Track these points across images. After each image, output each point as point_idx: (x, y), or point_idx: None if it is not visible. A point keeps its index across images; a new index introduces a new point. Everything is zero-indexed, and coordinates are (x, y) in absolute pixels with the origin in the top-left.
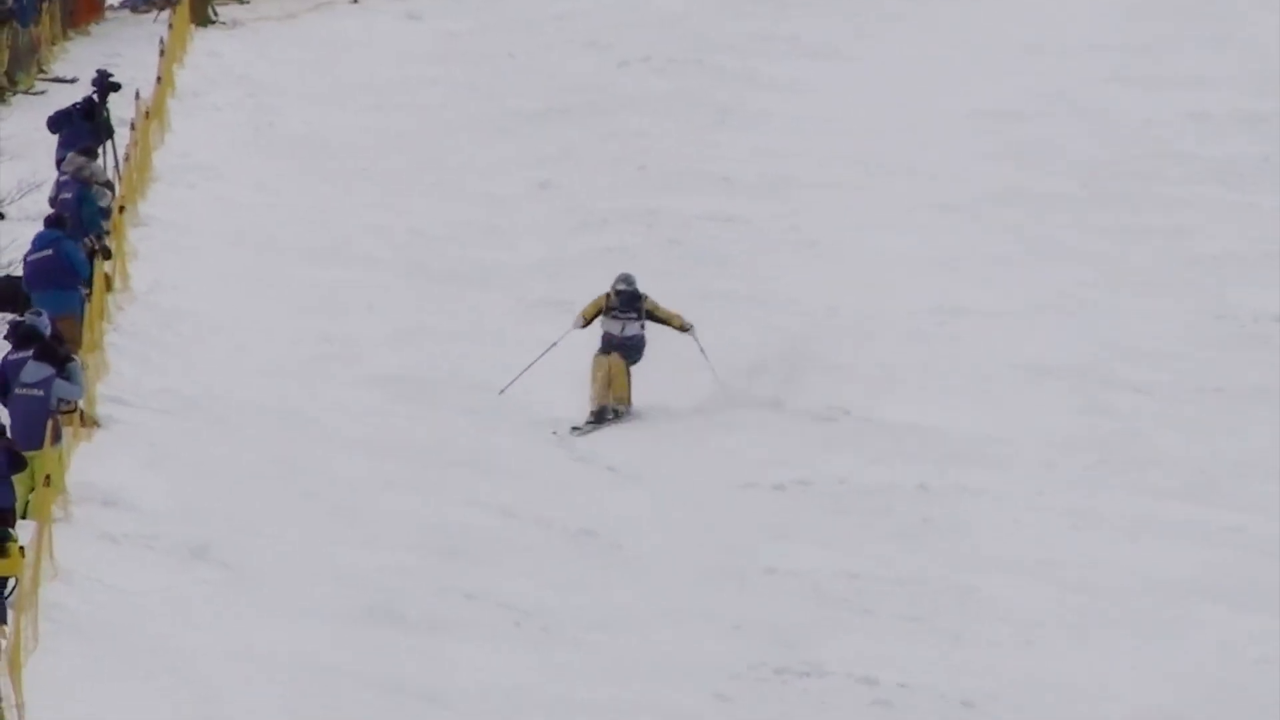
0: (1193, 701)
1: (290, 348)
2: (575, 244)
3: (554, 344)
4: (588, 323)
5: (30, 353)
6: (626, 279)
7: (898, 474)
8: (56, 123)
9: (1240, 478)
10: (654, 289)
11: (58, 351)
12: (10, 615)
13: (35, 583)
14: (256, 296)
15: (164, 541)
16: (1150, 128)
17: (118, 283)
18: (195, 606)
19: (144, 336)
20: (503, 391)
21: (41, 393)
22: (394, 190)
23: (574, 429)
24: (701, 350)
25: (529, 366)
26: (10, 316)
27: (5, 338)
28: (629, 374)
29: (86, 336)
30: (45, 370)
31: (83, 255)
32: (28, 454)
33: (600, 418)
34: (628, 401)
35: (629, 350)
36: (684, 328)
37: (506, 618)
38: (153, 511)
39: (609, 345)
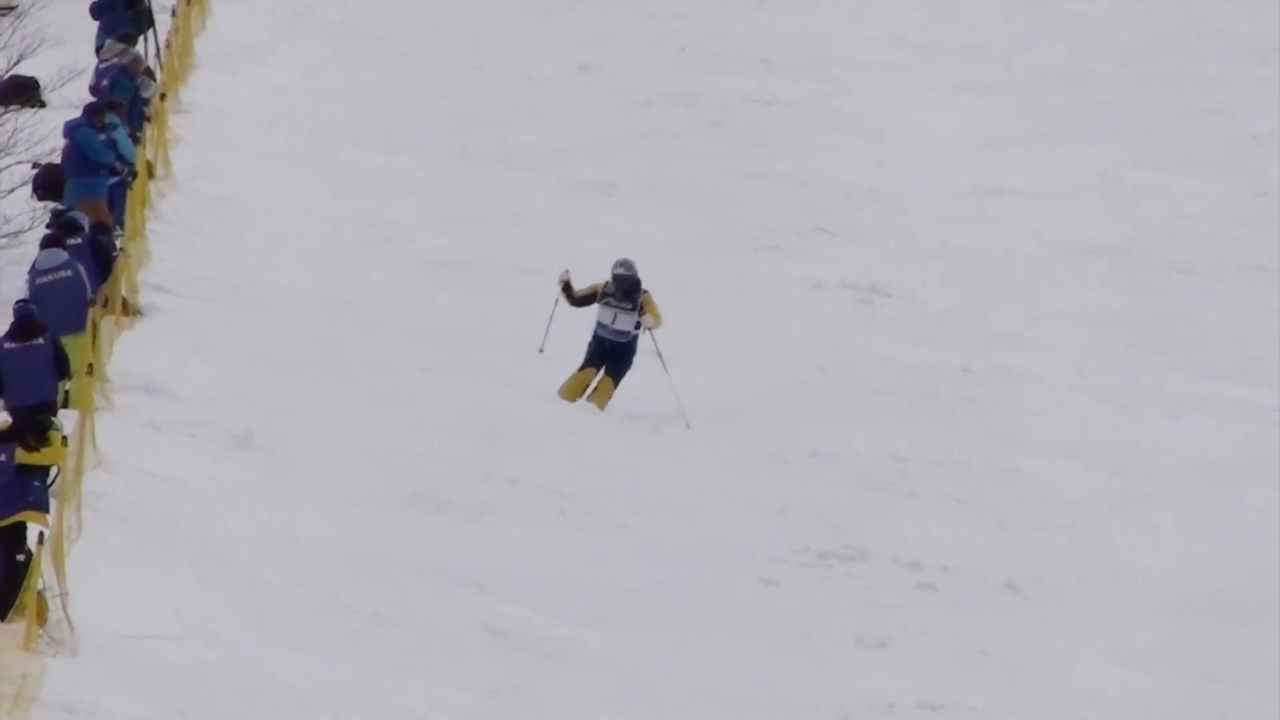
0: (1240, 582)
1: (332, 232)
2: (617, 126)
3: (552, 316)
4: (578, 301)
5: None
6: (626, 264)
7: (940, 356)
8: (98, 9)
9: None
10: (695, 172)
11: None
12: (54, 504)
13: (78, 472)
14: (298, 181)
15: (207, 429)
16: (1191, 5)
17: (159, 169)
18: (238, 493)
19: (186, 223)
20: (541, 350)
21: (69, 273)
22: (434, 74)
23: None
24: (659, 354)
25: (551, 320)
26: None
27: (47, 227)
28: (612, 394)
29: (129, 224)
30: (61, 255)
31: (99, 141)
32: (64, 339)
33: None
34: (603, 407)
35: (617, 355)
36: (649, 326)
37: (549, 503)
38: (195, 399)
39: (598, 344)
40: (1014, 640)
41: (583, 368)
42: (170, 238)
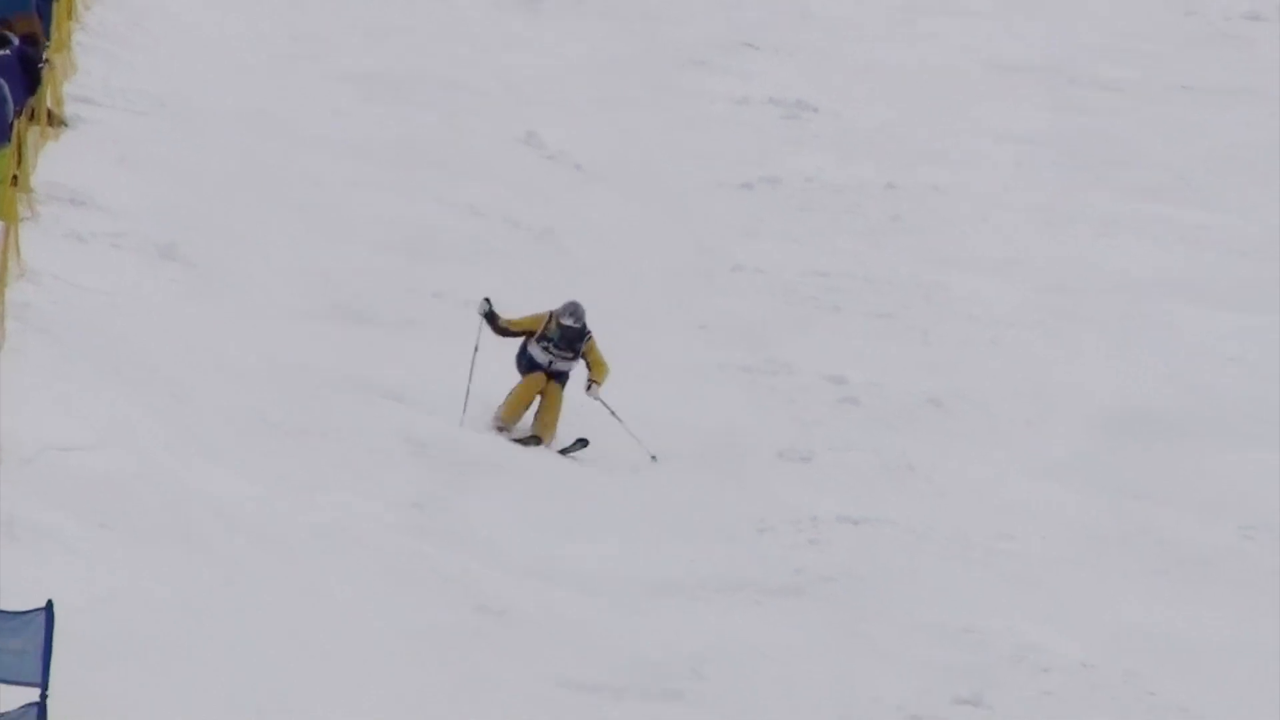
0: (1163, 399)
1: (259, 45)
2: None
3: (476, 349)
4: (507, 333)
5: None
6: (575, 312)
7: (866, 172)
8: None
9: (1211, 175)
10: None
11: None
12: None
13: (2, 282)
14: None
15: (131, 241)
16: None
17: None
18: (163, 306)
19: (112, 36)
20: (462, 422)
21: None
22: None
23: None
24: (611, 411)
25: (469, 388)
26: None
27: None
28: (559, 407)
29: (55, 36)
30: None
31: None
32: None
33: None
34: (552, 433)
35: (559, 377)
36: (595, 382)
37: (473, 316)
38: (120, 211)
39: (535, 368)
40: (937, 455)
41: (526, 375)
42: (96, 50)
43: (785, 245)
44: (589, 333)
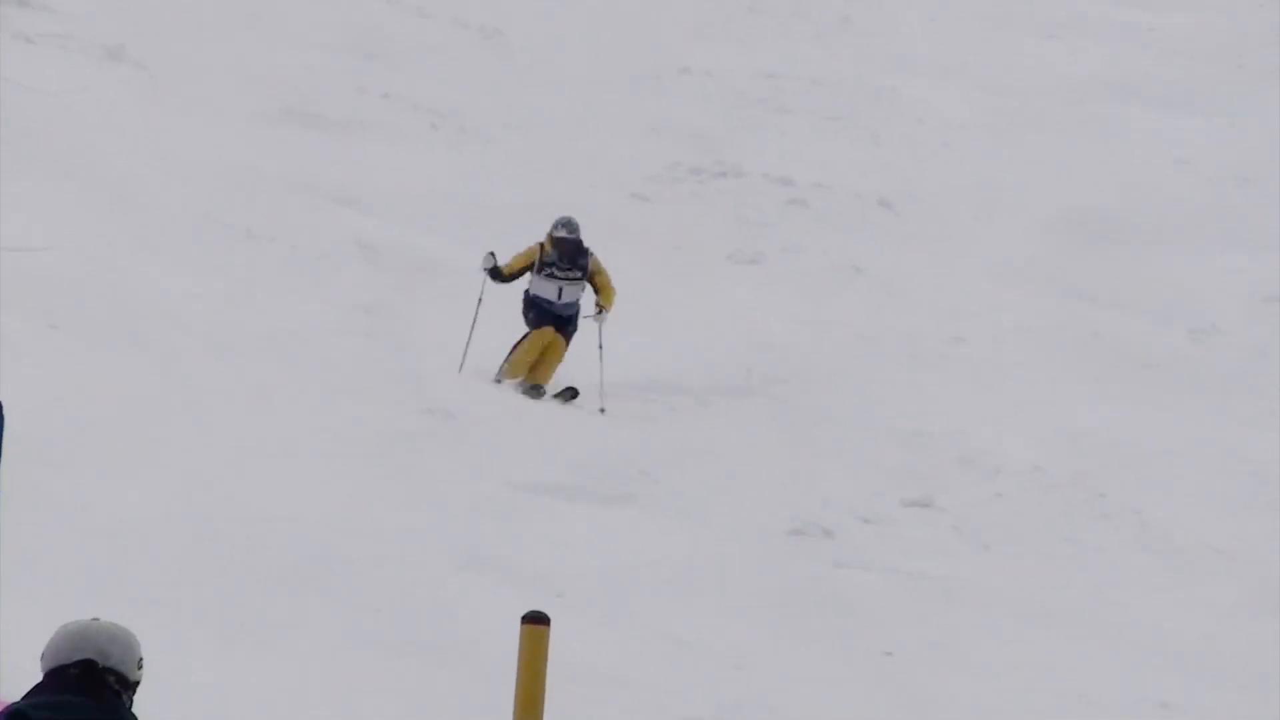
0: (1111, 201)
1: None
2: None
3: (480, 300)
4: (510, 278)
5: None
6: (569, 224)
7: None
8: None
9: None
10: None
11: None
12: None
13: None
14: None
15: (79, 42)
16: None
17: None
18: (111, 107)
19: None
20: (460, 370)
21: None
22: None
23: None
24: (600, 345)
25: (470, 338)
26: None
27: None
28: (563, 355)
29: None
30: None
31: None
32: None
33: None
34: (550, 379)
35: (568, 324)
36: (604, 307)
37: (422, 119)
38: (67, 11)
39: (544, 317)
40: (886, 257)
41: (535, 328)
42: None
43: (733, 48)
44: (589, 250)
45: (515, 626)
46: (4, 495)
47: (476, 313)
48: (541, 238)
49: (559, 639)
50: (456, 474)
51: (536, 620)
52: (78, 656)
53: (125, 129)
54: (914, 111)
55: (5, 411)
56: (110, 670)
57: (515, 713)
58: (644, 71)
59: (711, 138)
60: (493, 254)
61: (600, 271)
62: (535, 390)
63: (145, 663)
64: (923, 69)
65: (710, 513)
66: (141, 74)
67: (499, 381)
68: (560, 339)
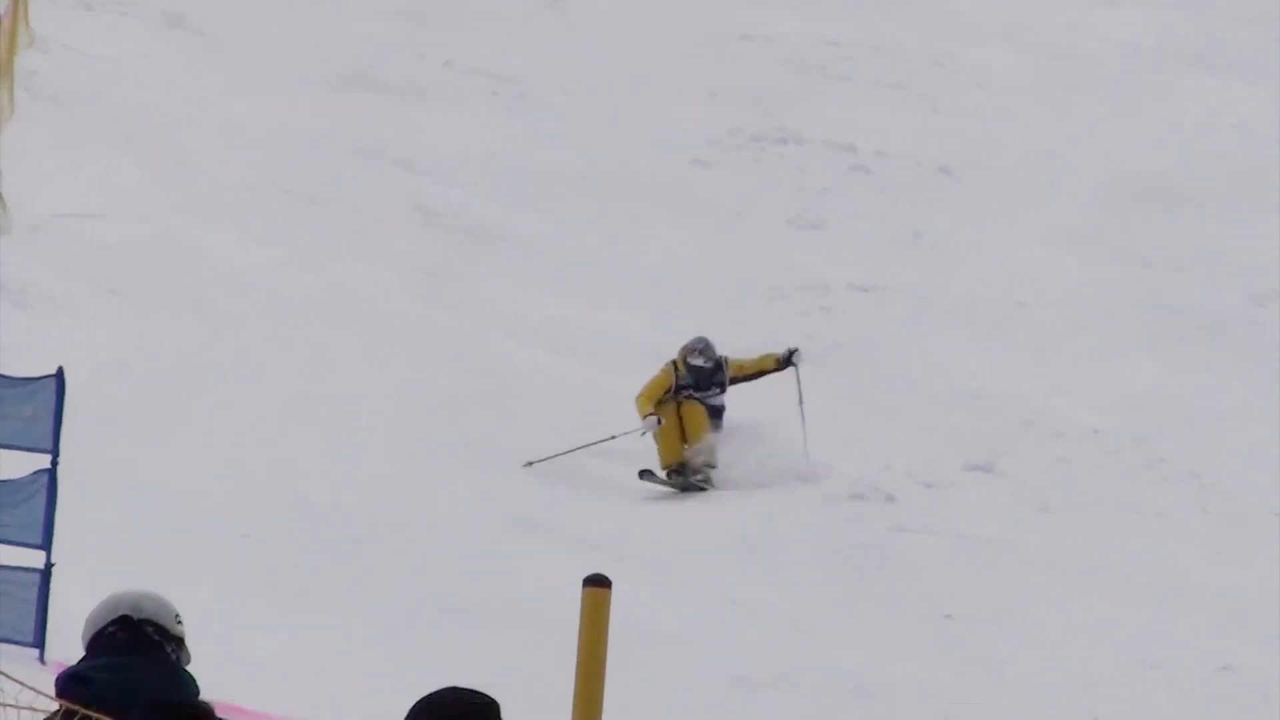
0: (1171, 167)
1: None
2: None
3: (613, 437)
4: (658, 413)
5: None
6: (705, 350)
7: None
8: None
9: None
10: None
11: None
12: None
13: (11, 51)
14: None
15: (139, 8)
16: None
17: None
18: (171, 74)
19: None
20: (531, 465)
21: None
22: None
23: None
24: (799, 385)
25: (573, 449)
26: None
27: None
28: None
29: None
30: None
31: None
32: None
33: (683, 476)
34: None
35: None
36: (781, 364)
37: (483, 84)
38: None
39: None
40: (947, 223)
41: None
42: None
43: (793, 14)
44: (725, 361)
45: (575, 590)
46: (64, 461)
47: (596, 442)
48: (674, 356)
49: (619, 602)
50: (512, 436)
51: (598, 583)
52: (113, 616)
53: (185, 96)
54: (974, 78)
55: (66, 377)
56: (147, 621)
57: (577, 675)
58: (705, 38)
59: (772, 104)
60: (659, 419)
61: (740, 366)
62: (703, 482)
63: (207, 628)
64: (982, 35)
65: (770, 474)
66: (201, 41)
67: (672, 476)
68: (693, 403)
